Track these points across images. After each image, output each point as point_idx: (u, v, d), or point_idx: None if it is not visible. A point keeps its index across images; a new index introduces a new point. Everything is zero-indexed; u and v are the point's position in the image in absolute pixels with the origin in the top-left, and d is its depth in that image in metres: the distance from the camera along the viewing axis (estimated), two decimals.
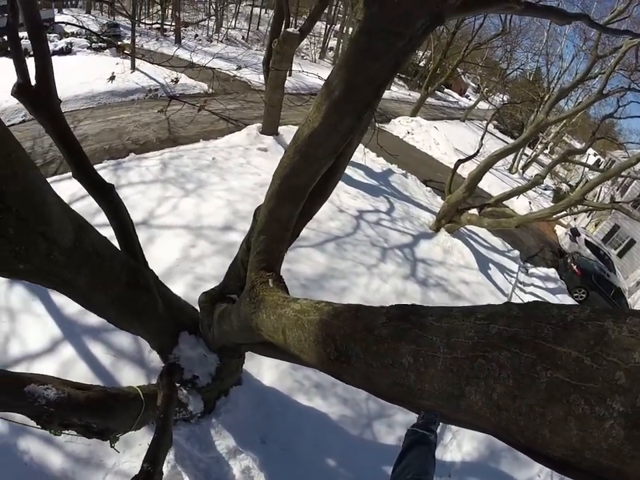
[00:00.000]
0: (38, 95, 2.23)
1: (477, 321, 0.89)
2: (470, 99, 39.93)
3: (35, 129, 8.38)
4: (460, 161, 9.33)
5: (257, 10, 37.13)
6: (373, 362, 1.11)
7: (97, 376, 4.31)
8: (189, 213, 6.84)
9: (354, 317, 1.23)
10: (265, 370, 4.47)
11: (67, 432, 2.59)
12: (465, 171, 10.84)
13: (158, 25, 24.19)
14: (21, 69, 2.25)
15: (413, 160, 11.54)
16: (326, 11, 24.40)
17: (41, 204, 1.51)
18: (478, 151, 9.95)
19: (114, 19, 25.84)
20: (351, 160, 2.29)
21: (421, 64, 34.62)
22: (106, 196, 2.47)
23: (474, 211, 9.34)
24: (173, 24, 26.18)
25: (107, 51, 19.81)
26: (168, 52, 19.01)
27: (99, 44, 20.23)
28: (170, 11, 30.69)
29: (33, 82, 2.26)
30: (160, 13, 28.39)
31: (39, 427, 2.32)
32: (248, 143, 10.26)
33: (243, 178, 8.42)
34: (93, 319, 4.86)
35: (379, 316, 1.15)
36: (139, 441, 3.92)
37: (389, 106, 22.03)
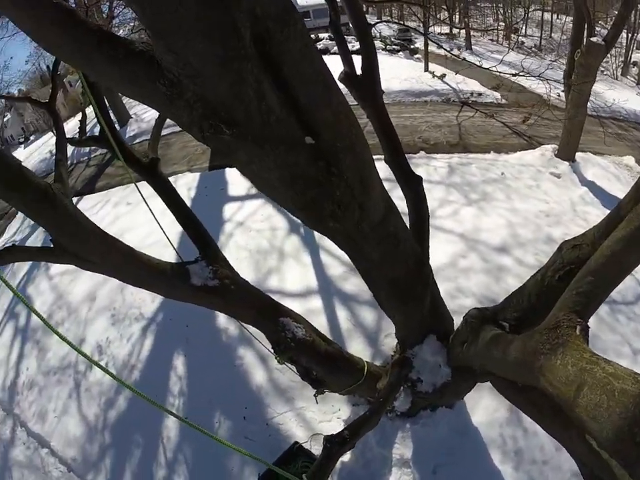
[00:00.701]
0: (363, 84, 2.52)
1: None
2: None
3: None
4: None
5: (547, 15, 33.35)
6: None
7: (331, 333, 4.80)
8: (468, 222, 6.74)
9: None
10: (480, 408, 4.09)
11: (288, 365, 2.94)
12: None
13: (447, 31, 24.73)
14: (347, 60, 2.61)
15: None
16: None
17: (367, 177, 1.65)
18: None
19: (404, 24, 27.71)
20: None
21: None
22: (412, 186, 2.63)
23: None
24: (463, 31, 26.41)
25: (401, 53, 21.59)
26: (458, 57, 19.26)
27: (393, 46, 22.23)
28: (458, 17, 30.90)
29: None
30: (448, 19, 28.89)
31: (270, 349, 2.70)
32: (540, 164, 9.35)
33: (529, 202, 7.72)
34: (349, 287, 5.47)
35: None
36: (333, 403, 4.28)
37: None
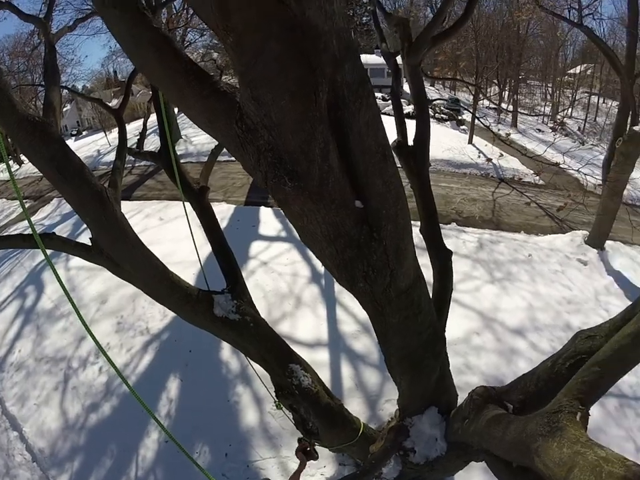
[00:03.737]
0: (413, 155, 2.65)
1: None
2: None
3: None
4: None
5: (594, 99, 33.84)
6: None
7: (332, 389, 4.75)
8: (488, 300, 6.79)
9: None
10: None
11: (284, 411, 2.89)
12: None
13: (495, 106, 25.45)
14: (401, 129, 2.76)
15: None
16: None
17: (403, 247, 1.72)
18: None
19: (455, 94, 28.59)
20: None
21: None
22: (442, 259, 2.71)
23: None
24: (510, 107, 27.16)
25: (448, 122, 22.25)
26: (503, 133, 19.57)
27: (442, 115, 22.90)
28: (507, 93, 31.67)
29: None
30: (497, 94, 29.78)
31: (272, 393, 2.68)
32: (569, 250, 9.38)
33: (552, 287, 7.75)
34: (359, 346, 5.56)
35: None
36: (320, 459, 4.14)
37: None
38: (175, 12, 10.21)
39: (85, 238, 2.33)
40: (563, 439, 1.56)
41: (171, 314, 6.77)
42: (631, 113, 8.55)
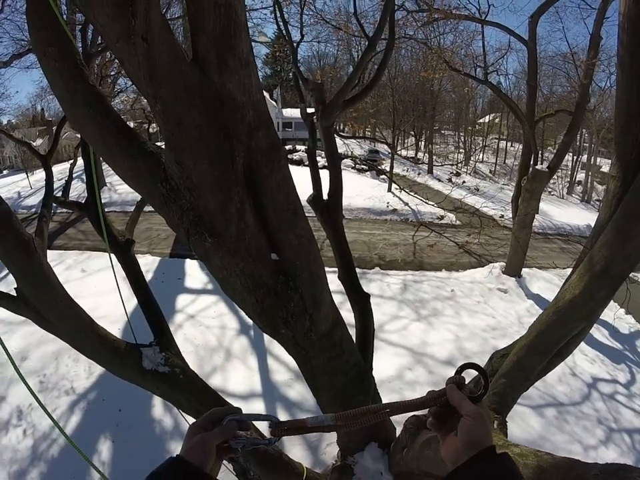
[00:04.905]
0: (327, 208, 2.90)
1: None
2: None
3: None
4: None
5: (503, 143, 37.68)
6: None
7: None
8: (416, 337, 7.10)
9: (569, 467, 1.36)
10: None
11: (225, 464, 2.83)
12: None
13: (412, 155, 27.51)
14: (316, 184, 3.02)
15: None
16: None
17: (319, 293, 1.86)
18: None
19: (374, 146, 30.67)
20: None
21: None
22: (361, 302, 2.89)
23: None
24: (426, 155, 29.51)
25: (368, 173, 23.66)
26: (420, 180, 21.24)
27: (362, 166, 24.32)
28: (422, 143, 34.44)
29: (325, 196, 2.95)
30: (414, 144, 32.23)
31: None
32: (489, 281, 10.13)
33: (477, 317, 8.27)
34: (293, 394, 5.57)
35: (592, 469, 1.29)
36: None
37: None
38: (108, 57, 10.20)
39: (5, 285, 2.22)
40: None
41: (96, 372, 6.39)
42: (533, 154, 9.66)
